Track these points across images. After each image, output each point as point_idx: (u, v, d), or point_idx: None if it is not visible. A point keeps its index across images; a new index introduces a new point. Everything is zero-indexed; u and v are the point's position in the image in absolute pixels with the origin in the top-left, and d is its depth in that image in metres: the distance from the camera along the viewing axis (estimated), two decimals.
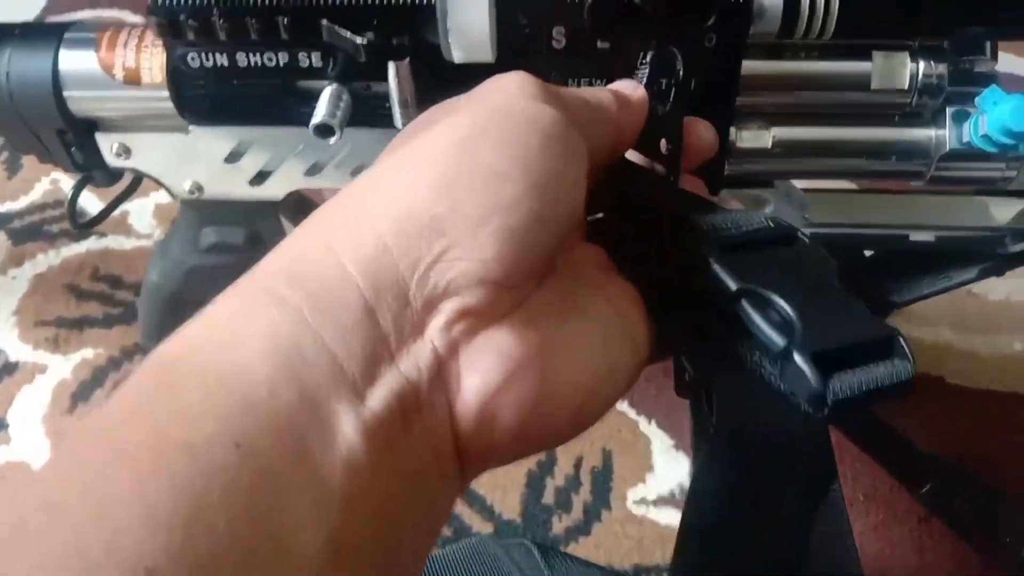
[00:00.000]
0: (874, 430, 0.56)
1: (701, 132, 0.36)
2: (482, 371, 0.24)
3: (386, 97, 0.43)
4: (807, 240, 0.27)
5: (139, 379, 0.22)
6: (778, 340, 0.24)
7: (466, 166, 0.24)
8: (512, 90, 0.26)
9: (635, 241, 0.30)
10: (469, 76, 0.40)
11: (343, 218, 0.25)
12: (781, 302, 0.24)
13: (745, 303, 0.25)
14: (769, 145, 0.45)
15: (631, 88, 0.33)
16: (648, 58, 0.35)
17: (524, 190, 0.24)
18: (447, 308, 0.24)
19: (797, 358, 0.23)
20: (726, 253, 0.26)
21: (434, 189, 0.24)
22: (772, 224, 0.28)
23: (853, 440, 0.57)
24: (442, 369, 0.24)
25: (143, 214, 0.76)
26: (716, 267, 0.26)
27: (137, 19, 0.98)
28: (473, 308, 0.24)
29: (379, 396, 0.22)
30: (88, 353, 0.67)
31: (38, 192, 0.79)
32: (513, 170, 0.24)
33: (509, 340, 0.24)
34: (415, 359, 0.23)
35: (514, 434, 0.25)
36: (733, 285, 0.25)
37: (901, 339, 0.24)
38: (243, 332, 0.22)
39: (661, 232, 0.29)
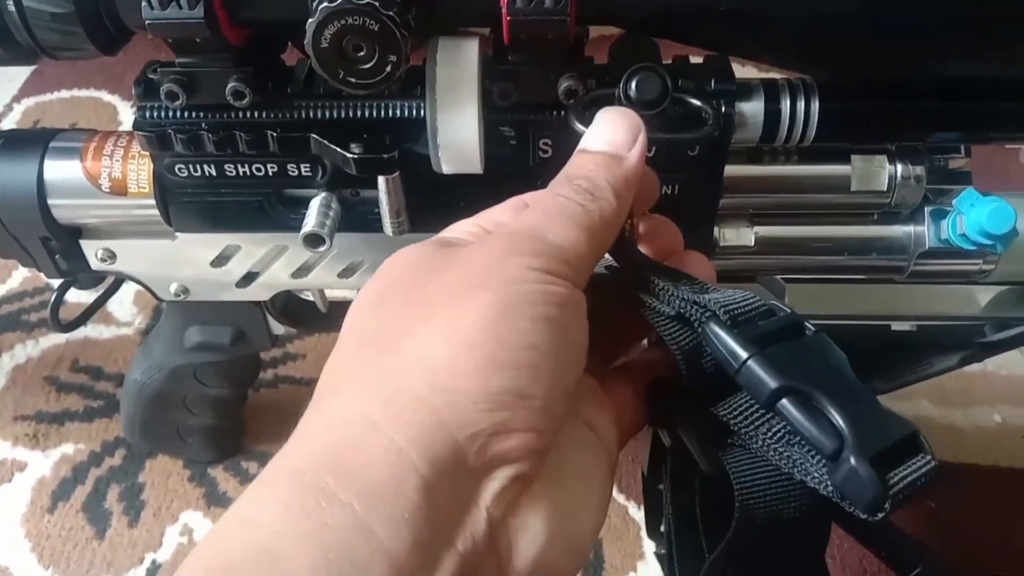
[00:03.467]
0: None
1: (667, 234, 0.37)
2: (533, 533, 0.25)
3: (375, 203, 0.43)
4: (814, 330, 0.28)
5: None
6: (828, 444, 0.25)
7: (508, 344, 0.25)
8: (519, 270, 0.27)
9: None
10: (458, 184, 0.41)
11: (379, 398, 0.25)
12: (826, 403, 0.25)
13: (788, 402, 0.25)
14: (752, 243, 0.46)
15: (633, 141, 0.32)
16: None
17: (556, 365, 0.26)
18: (502, 475, 0.25)
19: (858, 465, 0.24)
20: (740, 330, 0.27)
21: (481, 366, 0.25)
22: (776, 310, 0.29)
23: (839, 523, 0.57)
24: (494, 536, 0.25)
25: (123, 302, 0.75)
26: (752, 364, 0.26)
27: (113, 99, 0.98)
28: (526, 474, 0.25)
29: None
30: (68, 449, 0.66)
31: (16, 280, 0.78)
32: (547, 345, 0.25)
33: (546, 500, 0.26)
34: (471, 532, 0.24)
35: None
36: (773, 383, 0.26)
37: (921, 436, 0.26)
38: (286, 544, 0.21)
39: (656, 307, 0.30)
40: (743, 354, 0.26)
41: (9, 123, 0.96)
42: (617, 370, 0.34)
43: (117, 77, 0.98)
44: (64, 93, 0.98)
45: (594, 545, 0.29)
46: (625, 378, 0.33)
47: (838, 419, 0.25)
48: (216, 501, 0.64)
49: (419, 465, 0.23)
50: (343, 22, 0.34)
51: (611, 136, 0.32)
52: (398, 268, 0.29)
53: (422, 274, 0.28)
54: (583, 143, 0.33)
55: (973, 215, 0.42)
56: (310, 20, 0.34)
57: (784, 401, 0.26)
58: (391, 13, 0.33)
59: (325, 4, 0.33)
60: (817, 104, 0.40)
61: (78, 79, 0.98)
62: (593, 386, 0.32)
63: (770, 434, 0.27)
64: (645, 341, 0.36)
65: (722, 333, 0.27)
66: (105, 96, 0.98)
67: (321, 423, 0.25)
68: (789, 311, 0.29)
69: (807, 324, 0.29)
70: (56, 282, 0.52)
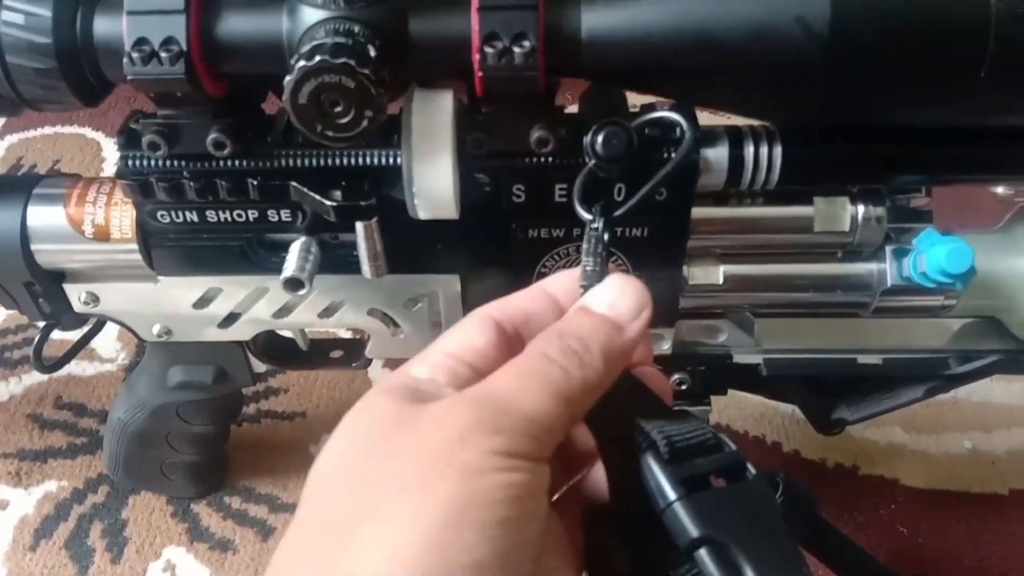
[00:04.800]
0: (833, 542, 0.57)
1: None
2: None
3: (354, 246, 0.44)
4: (754, 473, 0.28)
5: None
6: None
7: (447, 563, 0.24)
8: (479, 455, 0.25)
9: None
10: (434, 228, 0.43)
11: None
12: (742, 560, 0.25)
13: (704, 553, 0.26)
14: (720, 281, 0.47)
15: (637, 310, 0.31)
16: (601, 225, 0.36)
17: (508, 565, 0.24)
18: None
19: None
20: (675, 467, 0.27)
21: None
22: (723, 445, 0.29)
23: (811, 551, 0.58)
24: None
25: (107, 339, 0.76)
26: (677, 507, 0.26)
27: (97, 136, 0.99)
28: None
29: None
30: (52, 486, 0.67)
31: None
32: (493, 558, 0.24)
33: None
34: None
35: None
36: (694, 531, 0.26)
37: None
38: None
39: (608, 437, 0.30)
40: (671, 495, 0.26)
41: None
42: (571, 501, 0.33)
43: (101, 114, 0.98)
44: (48, 130, 0.99)
45: None
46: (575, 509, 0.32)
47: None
48: (199, 536, 0.64)
49: None
50: (320, 80, 0.35)
51: (616, 302, 0.30)
52: (359, 432, 0.28)
53: (380, 444, 0.27)
54: (584, 300, 0.31)
55: (932, 255, 0.43)
56: (288, 78, 0.35)
57: (701, 551, 0.26)
58: (366, 71, 0.35)
59: (302, 63, 0.35)
60: (779, 150, 0.42)
61: (62, 116, 0.99)
62: (558, 535, 0.30)
63: None
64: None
65: (656, 468, 0.27)
66: (89, 133, 0.99)
67: None
68: (734, 449, 0.29)
69: (748, 466, 0.28)
70: (40, 323, 0.52)
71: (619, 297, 0.31)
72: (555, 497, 0.32)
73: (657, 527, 0.27)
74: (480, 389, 0.27)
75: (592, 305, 0.31)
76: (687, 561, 0.26)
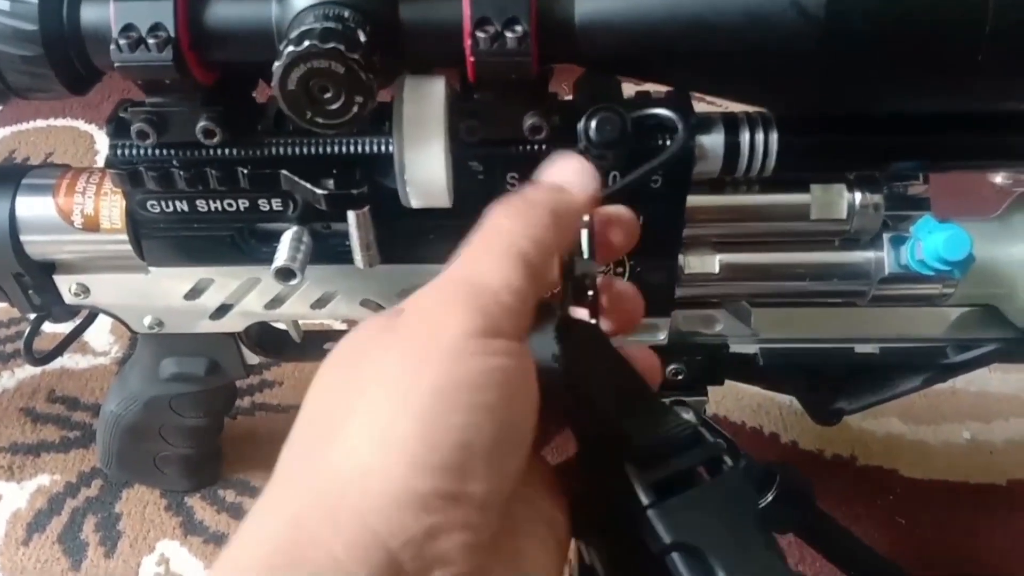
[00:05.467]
0: (832, 533, 0.57)
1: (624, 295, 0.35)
2: None
3: (346, 235, 0.44)
4: (730, 465, 0.28)
5: None
6: None
7: (436, 443, 0.24)
8: (461, 339, 0.26)
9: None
10: (427, 216, 0.42)
11: (317, 504, 0.24)
12: (713, 564, 0.25)
13: (678, 558, 0.26)
14: (716, 270, 0.47)
15: (578, 174, 0.32)
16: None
17: (493, 456, 0.25)
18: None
19: None
20: (648, 471, 0.27)
21: (408, 468, 0.24)
22: (701, 439, 0.29)
23: (809, 543, 0.57)
24: None
25: (100, 332, 0.76)
26: (650, 514, 0.26)
27: (90, 128, 0.98)
28: (466, 573, 0.24)
29: None
30: (44, 480, 0.66)
31: None
32: (481, 439, 0.25)
33: None
34: None
35: None
36: (667, 537, 0.26)
37: None
38: None
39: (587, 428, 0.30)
40: (644, 500, 0.27)
41: None
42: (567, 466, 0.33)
43: (94, 106, 0.98)
44: (40, 122, 0.98)
45: None
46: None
47: None
48: (193, 530, 0.64)
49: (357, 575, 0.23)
50: (309, 65, 0.34)
51: (558, 172, 0.32)
52: (346, 344, 0.29)
53: (365, 349, 0.27)
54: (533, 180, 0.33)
55: (930, 242, 0.43)
56: (276, 63, 0.35)
57: (674, 555, 0.26)
58: (356, 56, 0.34)
59: (291, 48, 0.34)
60: (776, 136, 0.41)
61: (54, 108, 0.99)
62: (549, 475, 0.31)
63: None
64: None
65: (630, 472, 0.27)
66: (82, 125, 0.98)
67: (267, 520, 0.25)
68: (711, 441, 0.29)
69: (725, 459, 0.29)
70: (30, 315, 0.52)
71: (561, 169, 0.32)
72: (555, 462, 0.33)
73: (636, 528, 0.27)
74: (454, 273, 0.28)
75: (539, 180, 0.32)
76: (662, 564, 0.26)
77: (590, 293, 0.33)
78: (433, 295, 0.28)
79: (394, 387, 0.25)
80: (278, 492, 0.26)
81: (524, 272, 0.28)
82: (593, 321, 0.33)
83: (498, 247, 0.28)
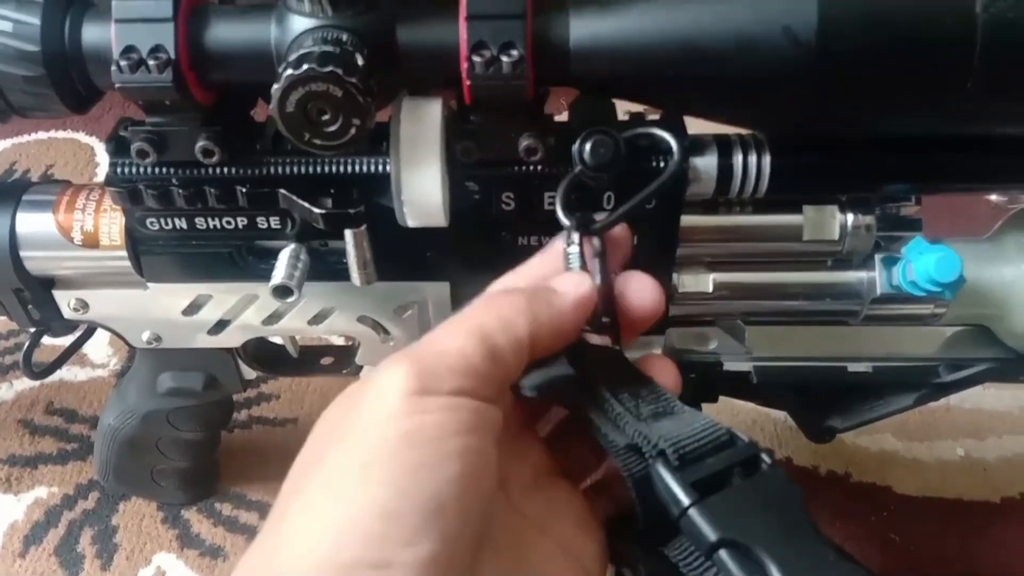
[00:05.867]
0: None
1: (644, 293, 0.36)
2: None
3: (343, 253, 0.44)
4: (769, 463, 0.28)
5: None
6: None
7: (357, 516, 0.25)
8: (393, 400, 0.27)
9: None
10: (424, 235, 0.43)
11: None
12: (765, 557, 0.25)
13: (725, 555, 0.25)
14: (710, 289, 0.47)
15: (573, 284, 0.34)
16: (577, 239, 0.36)
17: (423, 518, 0.25)
18: None
19: None
20: (686, 472, 0.27)
21: (335, 544, 0.25)
22: (734, 440, 0.29)
23: None
24: None
25: (98, 345, 0.76)
26: (692, 513, 0.26)
27: (90, 141, 0.99)
28: None
29: None
30: (42, 492, 0.66)
31: None
32: (403, 506, 0.25)
33: None
34: None
35: None
36: (712, 535, 0.26)
37: None
38: None
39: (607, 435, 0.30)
40: (685, 501, 0.26)
41: None
42: (601, 489, 0.33)
43: (94, 119, 0.98)
44: (41, 135, 0.99)
45: None
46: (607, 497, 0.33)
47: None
48: (190, 543, 0.64)
49: None
50: (307, 88, 0.35)
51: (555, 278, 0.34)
52: (326, 413, 0.30)
53: (332, 419, 0.29)
54: None
55: (921, 263, 0.43)
56: (275, 86, 0.35)
57: (722, 553, 0.26)
58: (354, 80, 0.35)
59: (290, 71, 0.35)
60: (768, 159, 0.42)
61: (55, 121, 0.99)
62: (580, 507, 0.31)
63: None
64: None
65: (667, 475, 0.27)
66: (83, 138, 0.99)
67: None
68: (747, 441, 0.29)
69: (763, 457, 0.28)
70: (30, 329, 0.52)
71: (562, 280, 0.34)
72: (583, 486, 0.33)
73: (677, 531, 0.27)
74: (412, 344, 0.30)
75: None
76: (711, 564, 0.26)
77: (605, 320, 0.33)
78: (386, 363, 0.29)
79: (327, 464, 0.27)
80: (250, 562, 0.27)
81: (479, 344, 0.28)
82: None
83: (460, 323, 0.30)
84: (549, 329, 0.31)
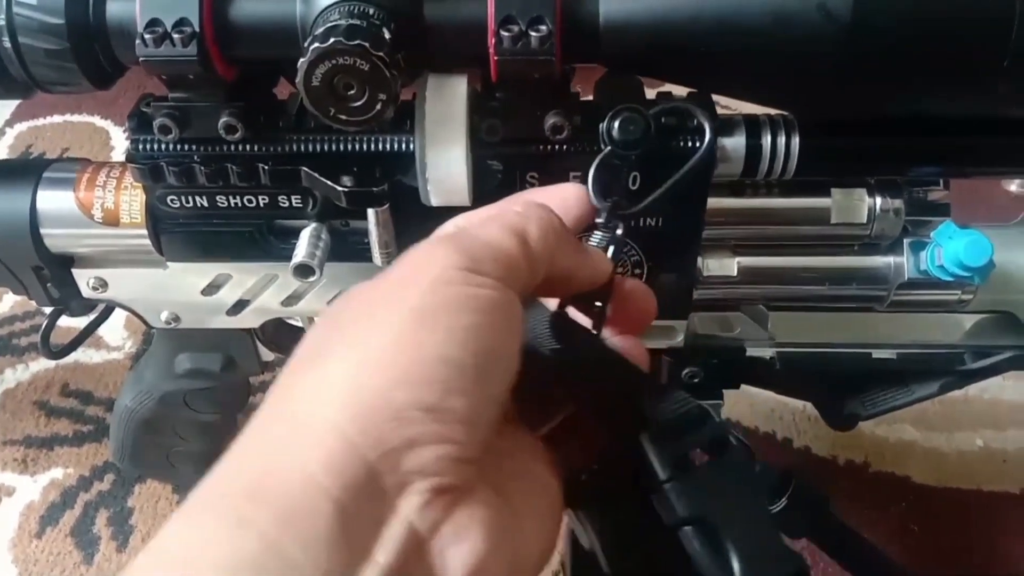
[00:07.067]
0: (845, 539, 0.56)
1: (639, 300, 0.35)
2: (469, 542, 0.25)
3: (365, 233, 0.44)
4: (736, 443, 0.29)
5: None
6: None
7: (417, 358, 0.25)
8: (444, 270, 0.27)
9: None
10: (447, 215, 0.42)
11: (295, 421, 0.25)
12: (724, 538, 0.26)
13: (690, 531, 0.26)
14: (734, 273, 0.47)
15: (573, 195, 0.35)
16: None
17: (476, 374, 0.25)
18: (422, 488, 0.24)
19: None
20: (665, 447, 0.27)
21: (387, 382, 0.24)
22: (705, 418, 0.29)
23: (823, 549, 0.57)
24: (423, 547, 0.24)
25: (114, 326, 0.76)
26: (667, 488, 0.27)
27: (106, 124, 0.99)
28: (449, 486, 0.25)
29: None
30: (58, 473, 0.67)
31: (6, 304, 0.79)
32: (463, 356, 0.25)
33: (486, 510, 0.25)
34: (393, 544, 0.24)
35: None
36: (683, 512, 0.27)
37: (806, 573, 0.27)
38: (198, 564, 0.22)
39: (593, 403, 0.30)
40: (662, 475, 0.27)
41: (1, 148, 0.96)
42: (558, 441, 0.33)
43: (110, 102, 0.98)
44: (57, 118, 0.99)
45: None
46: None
47: (734, 558, 0.26)
48: None
49: (331, 489, 0.23)
50: (334, 62, 0.34)
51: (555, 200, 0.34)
52: (342, 296, 0.30)
53: (355, 294, 0.28)
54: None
55: (950, 248, 0.43)
56: (301, 60, 0.35)
57: (687, 529, 0.26)
58: (381, 54, 0.34)
59: (316, 44, 0.34)
60: (797, 140, 0.41)
61: (71, 104, 0.99)
62: (540, 449, 0.31)
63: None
64: None
65: (649, 447, 0.28)
66: (98, 121, 0.99)
67: (244, 448, 0.25)
68: (716, 421, 0.30)
69: (730, 439, 0.29)
70: (47, 308, 0.52)
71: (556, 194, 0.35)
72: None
73: (639, 500, 0.28)
74: (439, 231, 0.30)
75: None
76: (671, 537, 0.27)
77: (597, 304, 0.33)
78: (423, 244, 0.29)
79: (375, 313, 0.26)
80: (264, 417, 0.26)
81: (520, 247, 0.28)
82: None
83: (501, 220, 0.29)
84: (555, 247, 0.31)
